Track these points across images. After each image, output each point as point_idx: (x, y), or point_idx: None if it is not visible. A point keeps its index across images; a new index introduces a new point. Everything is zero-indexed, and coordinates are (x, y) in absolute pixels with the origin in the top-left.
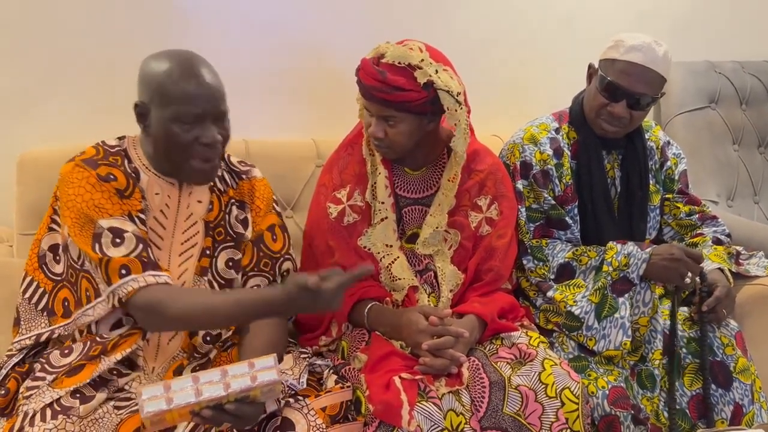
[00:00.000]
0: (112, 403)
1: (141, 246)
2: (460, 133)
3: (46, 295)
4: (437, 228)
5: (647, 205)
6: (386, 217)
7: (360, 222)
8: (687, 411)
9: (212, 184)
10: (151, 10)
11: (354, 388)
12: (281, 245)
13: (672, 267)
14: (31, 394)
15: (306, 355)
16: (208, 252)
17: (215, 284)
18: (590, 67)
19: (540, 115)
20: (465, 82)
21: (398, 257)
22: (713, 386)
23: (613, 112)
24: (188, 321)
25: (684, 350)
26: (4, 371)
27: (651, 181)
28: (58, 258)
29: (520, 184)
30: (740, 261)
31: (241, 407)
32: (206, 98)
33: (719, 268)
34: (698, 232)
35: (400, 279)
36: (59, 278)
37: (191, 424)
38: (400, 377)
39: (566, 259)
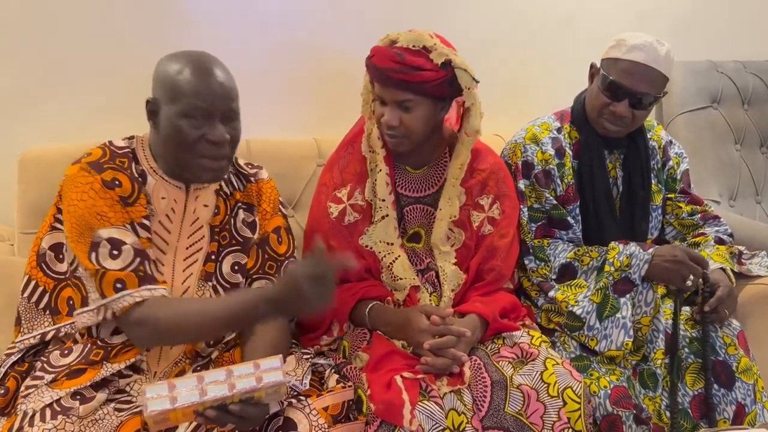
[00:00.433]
0: (112, 405)
1: (138, 260)
2: (476, 112)
3: (47, 294)
4: (452, 218)
5: (649, 204)
6: (387, 215)
7: (361, 221)
8: (689, 411)
9: (219, 187)
10: (151, 10)
11: (355, 388)
12: (286, 248)
13: (674, 269)
14: (30, 393)
15: (308, 356)
16: (213, 257)
17: (220, 289)
18: (592, 66)
19: (541, 114)
20: None
21: (399, 256)
22: (715, 386)
23: (616, 111)
24: (181, 331)
25: (686, 350)
26: (2, 370)
27: (653, 181)
28: (61, 257)
29: (521, 184)
30: (742, 261)
31: (246, 408)
32: (215, 95)
33: (721, 268)
34: (700, 231)
35: (401, 279)
36: (62, 277)
37: (193, 424)
38: (401, 376)
39: (568, 260)
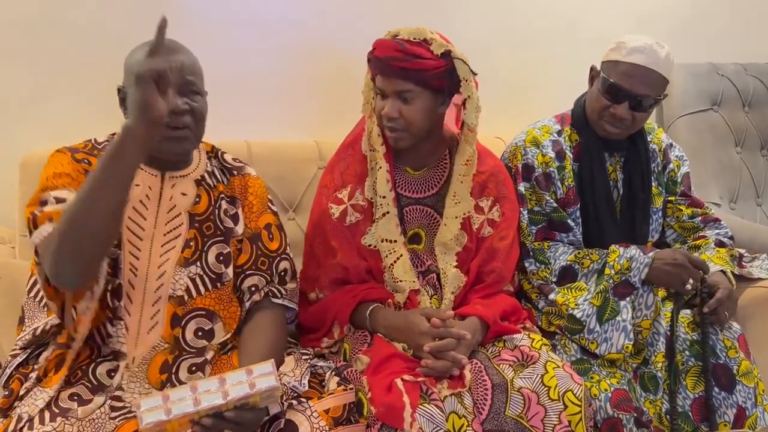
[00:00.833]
0: (107, 403)
1: None
2: (472, 106)
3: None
4: (465, 214)
5: (650, 207)
6: (388, 212)
7: (362, 221)
8: (690, 414)
9: (200, 178)
10: (153, 12)
11: (356, 390)
12: (278, 244)
13: (674, 272)
14: (23, 395)
15: (307, 357)
16: (192, 244)
17: (206, 279)
18: (592, 69)
19: (541, 116)
20: None
21: (402, 255)
22: (716, 389)
23: (616, 113)
24: (70, 226)
25: (687, 353)
26: (8, 371)
27: (653, 184)
28: None
29: (522, 187)
30: (743, 263)
31: (241, 414)
32: (172, 60)
33: (721, 271)
34: (701, 234)
35: (401, 281)
36: None
37: None
38: (402, 379)
39: (568, 262)
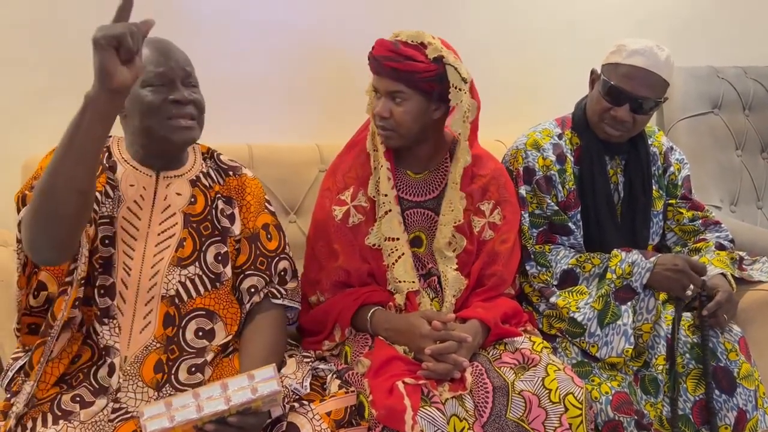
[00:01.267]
0: (111, 405)
1: None
2: (459, 114)
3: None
4: (455, 222)
5: (650, 210)
6: (390, 210)
7: (365, 223)
8: (690, 416)
9: (195, 178)
10: (155, 16)
11: (357, 393)
12: (276, 244)
13: (675, 278)
14: (17, 394)
15: (309, 359)
16: (185, 243)
17: (205, 278)
18: (593, 72)
19: (542, 119)
20: None
21: (404, 253)
22: (717, 392)
23: (617, 116)
24: (40, 199)
25: (687, 356)
26: (10, 374)
27: (654, 187)
28: None
29: (522, 190)
30: (743, 266)
31: (244, 418)
32: (172, 60)
33: (722, 273)
34: (701, 237)
35: (400, 282)
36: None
37: None
38: (403, 382)
39: (570, 266)
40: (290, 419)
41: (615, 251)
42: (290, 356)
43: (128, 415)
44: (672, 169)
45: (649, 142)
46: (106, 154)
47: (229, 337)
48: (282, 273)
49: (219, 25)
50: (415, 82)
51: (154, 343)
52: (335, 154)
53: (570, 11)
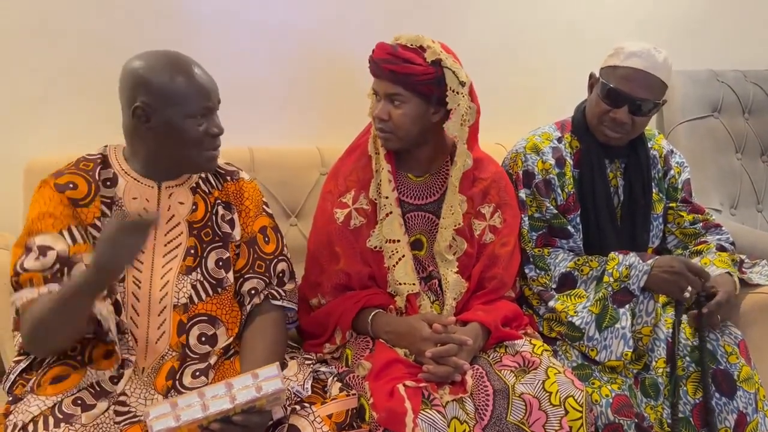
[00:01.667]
0: (111, 409)
1: (57, 266)
2: (456, 117)
3: None
4: (455, 226)
5: (650, 213)
6: (391, 212)
7: (366, 225)
8: (690, 419)
9: (195, 185)
10: (158, 17)
11: (358, 396)
12: (274, 246)
13: (672, 280)
14: (19, 402)
15: (310, 362)
16: (192, 252)
17: (206, 284)
18: (591, 76)
19: (543, 123)
20: None
21: (404, 255)
22: (717, 395)
23: (616, 118)
24: (36, 327)
25: (687, 359)
26: (12, 377)
27: (654, 190)
28: None
29: (522, 193)
30: (743, 269)
31: (249, 417)
32: (212, 91)
33: (727, 273)
34: (702, 240)
35: (401, 284)
36: None
37: None
38: (404, 385)
39: (568, 269)
40: (291, 421)
41: (612, 254)
42: (291, 358)
43: (136, 419)
44: (672, 172)
45: (649, 145)
46: (100, 165)
47: (230, 340)
48: (280, 275)
49: (220, 29)
50: (414, 85)
51: (170, 352)
52: (336, 157)
53: (570, 15)
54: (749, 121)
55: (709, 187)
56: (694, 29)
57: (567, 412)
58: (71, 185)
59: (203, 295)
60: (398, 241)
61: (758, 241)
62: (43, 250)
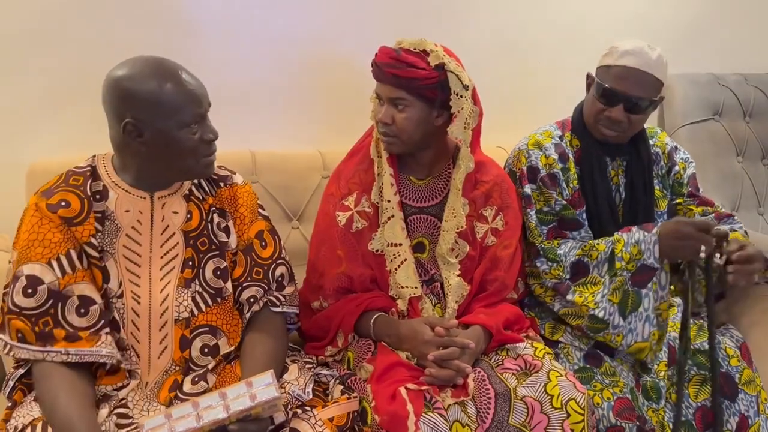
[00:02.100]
0: (114, 419)
1: (50, 303)
2: (460, 121)
3: None
4: (458, 229)
5: (653, 211)
6: (393, 216)
7: (368, 228)
8: (693, 422)
9: (188, 192)
10: (160, 22)
11: (360, 399)
12: (272, 250)
13: (684, 245)
14: (20, 406)
15: (311, 365)
16: (191, 263)
17: (205, 294)
18: (588, 76)
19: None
20: None
21: (406, 259)
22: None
23: (611, 116)
24: (43, 408)
25: (689, 362)
26: (11, 383)
27: (657, 187)
28: None
29: (528, 189)
30: None
31: (245, 426)
32: (203, 97)
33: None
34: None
35: (403, 288)
36: None
37: None
38: (406, 388)
39: (577, 257)
40: (293, 425)
41: (616, 235)
42: (293, 361)
43: (136, 430)
44: (677, 168)
45: (651, 143)
46: (90, 178)
47: (231, 348)
48: (279, 278)
49: (223, 34)
50: (417, 89)
51: (174, 367)
52: (338, 160)
53: (572, 18)
54: (750, 125)
55: (710, 190)
56: (695, 32)
57: (569, 415)
58: (63, 203)
59: (203, 307)
60: (400, 244)
61: (759, 245)
62: (32, 282)
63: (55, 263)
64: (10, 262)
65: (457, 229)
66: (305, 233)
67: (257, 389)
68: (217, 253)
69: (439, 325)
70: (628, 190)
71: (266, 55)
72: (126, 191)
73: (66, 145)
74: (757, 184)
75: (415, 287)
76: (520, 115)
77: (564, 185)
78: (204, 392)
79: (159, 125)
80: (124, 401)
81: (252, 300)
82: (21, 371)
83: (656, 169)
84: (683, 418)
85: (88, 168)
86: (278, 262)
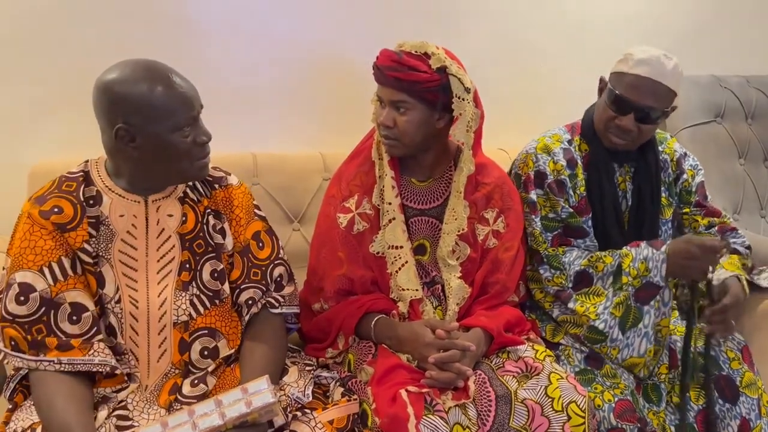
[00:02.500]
0: (114, 421)
1: (38, 314)
2: (462, 124)
3: None
4: (459, 231)
5: (659, 219)
6: (394, 218)
7: (369, 230)
8: (695, 425)
9: (183, 195)
10: (162, 23)
11: (360, 401)
12: (269, 251)
13: (693, 266)
14: (19, 410)
15: (311, 368)
16: (187, 266)
17: (203, 297)
18: (601, 80)
19: (545, 129)
20: None
21: (407, 261)
22: (720, 401)
23: (621, 125)
24: (40, 413)
25: (691, 365)
26: (12, 385)
27: (664, 195)
28: None
29: (533, 194)
30: (752, 275)
31: (243, 431)
32: (194, 99)
33: (736, 277)
34: None
35: (404, 290)
36: None
37: None
38: (406, 390)
39: (582, 267)
40: (292, 427)
41: (624, 249)
42: (293, 363)
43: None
44: (685, 176)
45: (660, 149)
46: (83, 184)
47: (232, 351)
48: (278, 279)
49: (224, 36)
50: (418, 92)
51: (173, 370)
52: (339, 162)
53: (574, 21)
54: (752, 127)
55: (712, 193)
56: (697, 34)
57: (569, 418)
58: (56, 209)
59: (201, 309)
60: (401, 247)
61: (761, 247)
62: (25, 290)
63: (47, 270)
64: (3, 269)
65: (459, 231)
66: (306, 235)
67: (252, 395)
68: (214, 255)
69: (439, 327)
70: (635, 197)
71: (268, 57)
72: (120, 196)
73: (67, 146)
74: (759, 187)
75: (416, 290)
76: (521, 117)
77: (571, 192)
78: (203, 395)
79: (151, 129)
80: (123, 403)
81: (250, 302)
82: (22, 373)
83: (664, 176)
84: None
85: (81, 173)
86: (276, 262)
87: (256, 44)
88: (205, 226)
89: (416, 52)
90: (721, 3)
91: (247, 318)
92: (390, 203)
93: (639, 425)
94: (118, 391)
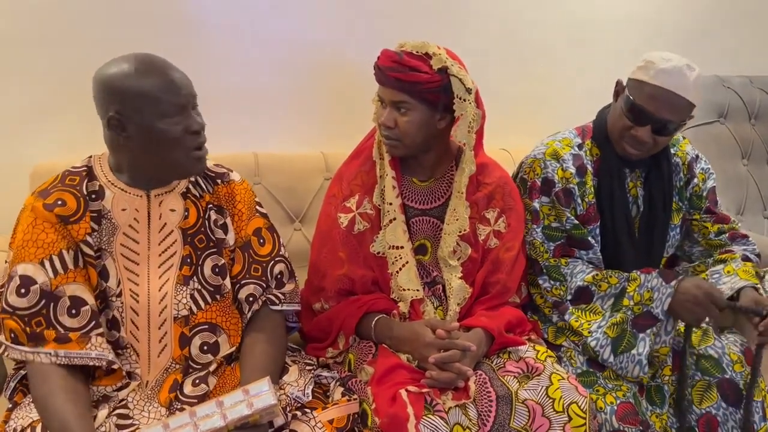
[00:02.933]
0: (114, 419)
1: (42, 303)
2: (464, 124)
3: None
4: (461, 231)
5: (669, 225)
6: (395, 218)
7: (370, 230)
8: (696, 429)
9: (185, 190)
10: (164, 24)
11: (360, 401)
12: (270, 248)
13: (693, 310)
14: (18, 408)
15: (311, 367)
16: (189, 260)
17: (204, 292)
18: (618, 83)
19: (547, 129)
20: None
21: (408, 262)
22: (723, 404)
23: (637, 136)
24: (37, 408)
25: (693, 368)
26: (12, 384)
27: (674, 199)
28: None
29: (537, 203)
30: (763, 281)
31: None
32: (183, 86)
33: (752, 286)
34: (728, 248)
35: (404, 290)
36: None
37: None
38: (406, 390)
39: (585, 283)
40: (292, 427)
41: (634, 273)
42: (293, 362)
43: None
44: (696, 180)
45: (672, 152)
46: (86, 178)
47: (233, 349)
48: (278, 276)
49: (226, 37)
50: (420, 93)
51: (173, 365)
52: (340, 162)
53: (577, 22)
54: (755, 127)
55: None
56: (700, 35)
57: (570, 419)
58: (59, 202)
59: (202, 304)
60: (401, 247)
61: (764, 248)
62: (25, 283)
63: (47, 263)
64: (6, 262)
65: (460, 232)
66: (307, 235)
67: (253, 397)
68: (215, 250)
69: (440, 327)
70: (646, 203)
71: (269, 57)
72: (122, 190)
73: (69, 146)
74: (763, 187)
75: (417, 290)
76: (525, 117)
77: (579, 200)
78: (204, 395)
79: (140, 118)
80: (124, 402)
81: (251, 299)
82: (22, 372)
83: (675, 180)
84: (686, 425)
85: (84, 168)
86: (277, 259)
87: (258, 45)
88: (206, 222)
89: (417, 52)
90: (724, 3)
91: (248, 315)
92: (391, 203)
93: (641, 428)
94: (118, 390)
